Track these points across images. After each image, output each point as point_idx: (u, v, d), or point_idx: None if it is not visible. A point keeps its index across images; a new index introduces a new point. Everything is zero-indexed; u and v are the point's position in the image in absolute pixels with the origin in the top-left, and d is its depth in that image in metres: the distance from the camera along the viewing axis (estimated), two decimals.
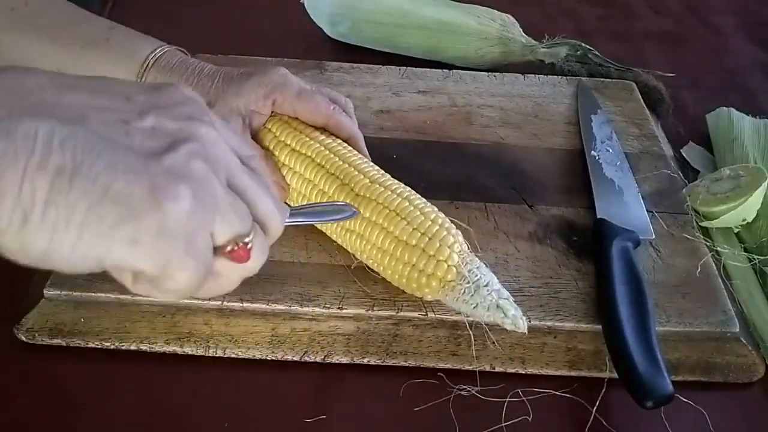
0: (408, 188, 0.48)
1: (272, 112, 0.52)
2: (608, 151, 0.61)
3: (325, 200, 0.48)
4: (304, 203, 0.48)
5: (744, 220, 0.54)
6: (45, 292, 0.47)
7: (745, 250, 0.54)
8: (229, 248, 0.30)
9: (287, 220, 0.35)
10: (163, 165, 0.27)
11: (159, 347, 0.46)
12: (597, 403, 0.44)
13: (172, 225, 0.27)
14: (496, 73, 0.70)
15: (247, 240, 0.30)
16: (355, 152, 0.50)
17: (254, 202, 0.31)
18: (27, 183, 0.25)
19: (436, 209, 0.46)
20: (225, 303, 0.47)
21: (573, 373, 0.46)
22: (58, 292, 0.47)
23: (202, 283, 0.29)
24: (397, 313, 0.47)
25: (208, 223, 0.28)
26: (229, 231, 0.29)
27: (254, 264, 0.31)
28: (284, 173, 0.51)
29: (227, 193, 0.29)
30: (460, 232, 0.45)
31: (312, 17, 0.77)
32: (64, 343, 0.46)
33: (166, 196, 0.27)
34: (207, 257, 0.29)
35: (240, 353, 0.46)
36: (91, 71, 0.51)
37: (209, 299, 0.46)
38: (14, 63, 0.52)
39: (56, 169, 0.25)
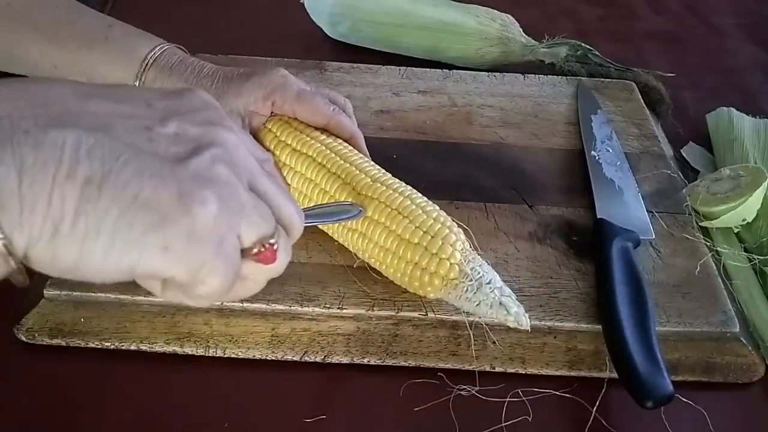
0: (409, 187, 0.48)
1: (272, 112, 0.52)
2: (608, 151, 0.61)
3: (327, 200, 0.48)
4: (311, 205, 0.48)
5: (744, 220, 0.54)
6: (45, 292, 0.47)
7: (745, 250, 0.54)
8: (255, 250, 0.30)
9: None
10: (188, 170, 0.27)
11: (159, 347, 0.46)
12: (597, 403, 0.44)
13: (201, 229, 0.27)
14: (496, 73, 0.70)
15: (272, 241, 0.30)
16: (356, 152, 0.51)
17: (276, 204, 0.31)
18: (56, 193, 0.25)
19: (437, 208, 0.46)
20: (225, 303, 0.47)
21: (573, 373, 0.46)
22: (58, 292, 0.47)
23: (231, 287, 0.30)
24: (397, 313, 0.47)
25: (235, 226, 0.29)
26: (254, 233, 0.30)
27: (280, 265, 0.32)
28: (285, 173, 0.51)
29: (250, 195, 0.30)
30: (461, 230, 0.45)
31: (312, 17, 0.77)
32: (64, 343, 0.46)
33: (193, 201, 0.27)
34: (235, 260, 0.29)
35: (240, 353, 0.46)
36: (89, 70, 0.51)
37: None
38: (9, 61, 0.51)
39: (85, 179, 0.25)
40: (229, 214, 0.28)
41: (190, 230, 0.27)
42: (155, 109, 0.29)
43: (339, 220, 0.46)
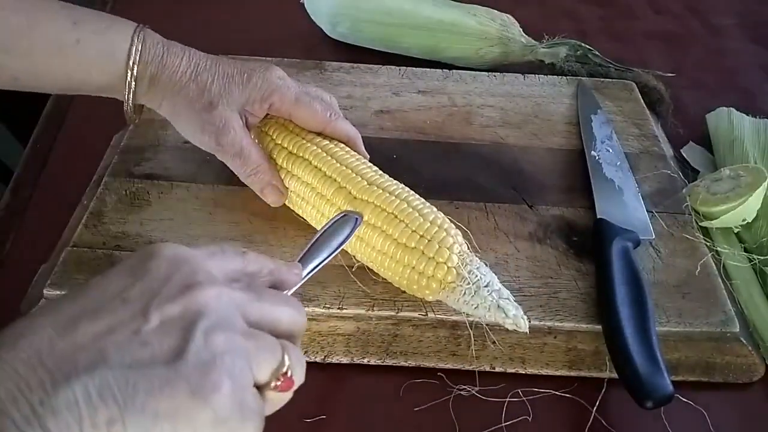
0: (406, 189, 0.48)
1: (268, 114, 0.52)
2: (608, 151, 0.61)
3: (323, 203, 0.48)
4: (308, 243, 0.40)
5: (744, 220, 0.54)
6: (45, 292, 0.47)
7: (745, 250, 0.54)
8: (272, 385, 0.30)
9: (303, 275, 0.36)
10: (189, 362, 0.27)
11: None
12: (597, 403, 0.44)
13: (222, 409, 0.28)
14: (496, 73, 0.70)
15: (285, 368, 0.30)
16: (353, 153, 0.50)
17: (275, 323, 0.31)
18: None
19: (435, 210, 0.46)
20: None
21: (573, 373, 0.46)
22: (58, 292, 0.47)
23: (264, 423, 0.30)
24: (397, 313, 0.47)
25: (249, 383, 0.29)
26: (266, 370, 0.30)
27: (298, 380, 0.32)
28: (282, 176, 0.51)
29: (250, 337, 0.29)
30: (459, 232, 0.45)
31: (312, 17, 0.77)
32: None
33: (206, 392, 0.27)
34: (259, 407, 0.30)
35: None
36: (62, 80, 0.48)
37: None
38: None
39: (107, 420, 0.26)
40: (239, 377, 0.28)
41: (213, 416, 0.27)
42: (132, 303, 0.28)
43: (342, 243, 0.40)
